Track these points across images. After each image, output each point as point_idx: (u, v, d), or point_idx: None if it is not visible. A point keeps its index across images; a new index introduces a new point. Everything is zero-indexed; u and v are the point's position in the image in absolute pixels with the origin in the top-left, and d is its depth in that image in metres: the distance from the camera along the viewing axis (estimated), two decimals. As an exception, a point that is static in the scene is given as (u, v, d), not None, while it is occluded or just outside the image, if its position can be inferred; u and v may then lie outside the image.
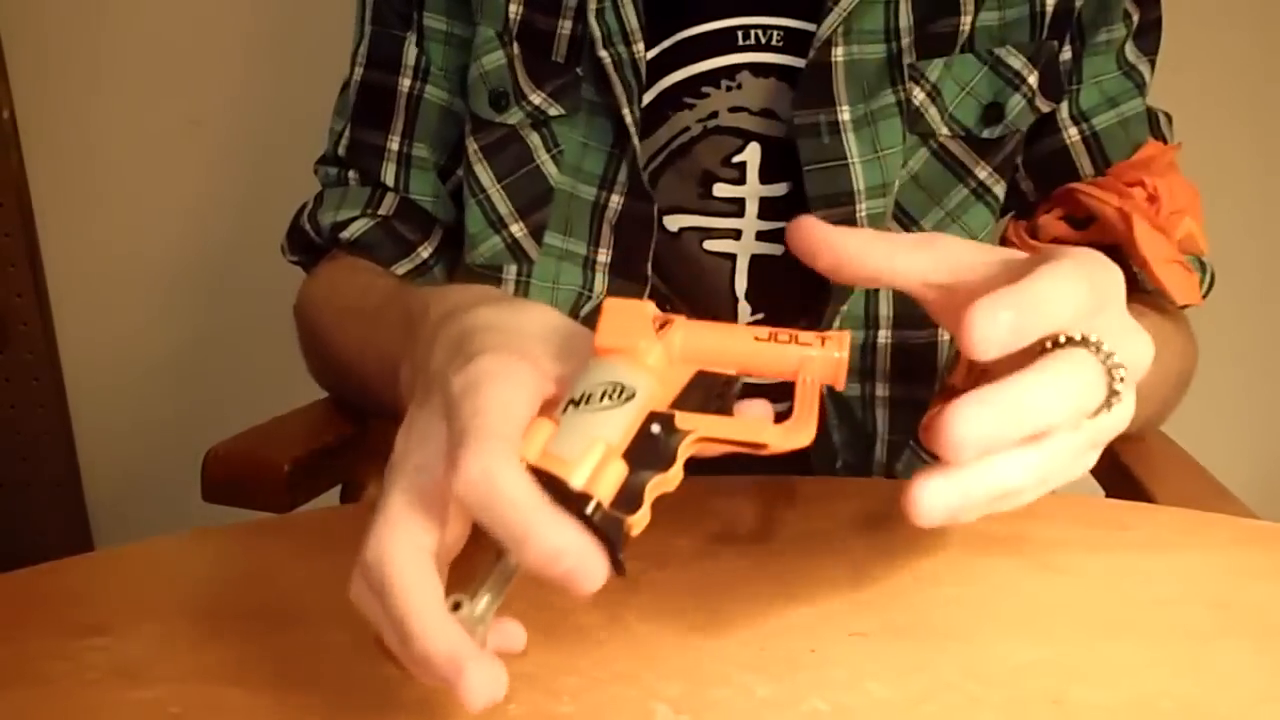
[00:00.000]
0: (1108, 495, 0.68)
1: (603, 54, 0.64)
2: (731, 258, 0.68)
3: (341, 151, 0.74)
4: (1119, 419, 0.38)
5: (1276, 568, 0.47)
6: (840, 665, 0.39)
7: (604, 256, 0.68)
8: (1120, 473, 0.67)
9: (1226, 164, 1.07)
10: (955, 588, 0.44)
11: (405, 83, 0.71)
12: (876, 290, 0.67)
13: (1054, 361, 0.36)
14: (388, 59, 0.72)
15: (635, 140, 0.65)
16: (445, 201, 0.73)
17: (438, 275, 0.74)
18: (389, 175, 0.72)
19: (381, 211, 0.72)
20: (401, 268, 0.72)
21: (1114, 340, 0.37)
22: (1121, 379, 0.37)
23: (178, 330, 1.31)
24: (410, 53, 0.71)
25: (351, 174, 0.74)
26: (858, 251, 0.39)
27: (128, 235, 1.28)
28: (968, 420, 0.33)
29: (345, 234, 0.71)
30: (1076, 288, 0.37)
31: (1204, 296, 0.72)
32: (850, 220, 0.64)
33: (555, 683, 0.38)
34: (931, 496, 0.34)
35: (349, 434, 0.71)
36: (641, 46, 0.65)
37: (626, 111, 0.64)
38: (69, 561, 0.46)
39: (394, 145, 0.72)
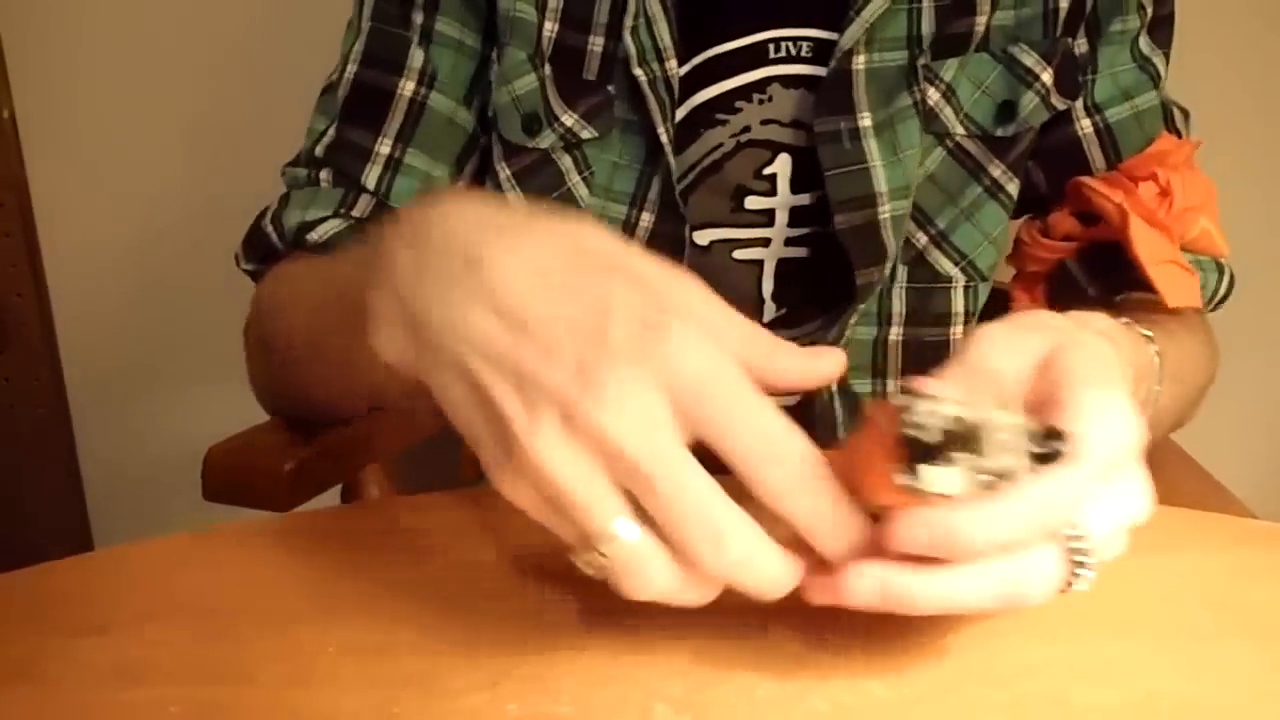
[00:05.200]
0: (1108, 495, 0.68)
1: (637, 72, 0.64)
2: (759, 263, 0.68)
3: (320, 151, 0.69)
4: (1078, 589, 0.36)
5: (1276, 568, 0.47)
6: (840, 665, 0.39)
7: None
8: (1120, 473, 0.66)
9: (1242, 162, 1.07)
10: (955, 588, 0.44)
11: (408, 86, 0.68)
12: (889, 287, 0.68)
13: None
14: (387, 59, 0.68)
15: (670, 158, 0.64)
16: None
17: None
18: (371, 178, 0.68)
19: (355, 213, 0.68)
20: None
21: (1102, 507, 0.35)
22: (1081, 567, 0.35)
23: (178, 330, 1.31)
24: (415, 55, 0.68)
25: (324, 174, 0.69)
26: None
27: (128, 235, 1.28)
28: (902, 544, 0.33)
29: (313, 234, 0.67)
30: (1076, 488, 0.34)
31: (1221, 300, 0.70)
32: (874, 222, 0.64)
33: (555, 683, 0.38)
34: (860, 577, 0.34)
35: (349, 434, 0.71)
36: (674, 64, 0.64)
37: (661, 130, 0.64)
38: (69, 561, 0.46)
39: (384, 149, 0.68)
